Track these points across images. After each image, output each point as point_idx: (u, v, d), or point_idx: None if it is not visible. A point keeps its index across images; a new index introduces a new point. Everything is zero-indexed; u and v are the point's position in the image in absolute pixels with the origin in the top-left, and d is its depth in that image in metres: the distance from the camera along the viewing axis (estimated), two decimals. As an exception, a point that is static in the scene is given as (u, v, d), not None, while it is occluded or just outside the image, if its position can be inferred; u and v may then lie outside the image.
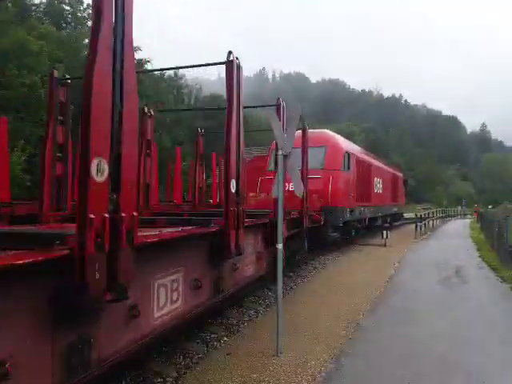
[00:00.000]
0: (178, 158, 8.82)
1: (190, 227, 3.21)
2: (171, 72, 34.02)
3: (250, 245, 4.60)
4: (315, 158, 9.53)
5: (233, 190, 3.50)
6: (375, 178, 14.37)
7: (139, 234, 2.32)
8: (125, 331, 2.43)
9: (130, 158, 2.13)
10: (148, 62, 25.74)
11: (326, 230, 9.42)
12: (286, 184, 9.05)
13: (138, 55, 25.15)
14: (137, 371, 3.36)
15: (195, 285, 3.22)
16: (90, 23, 23.65)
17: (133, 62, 2.17)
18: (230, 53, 3.61)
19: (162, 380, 3.30)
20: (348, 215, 10.58)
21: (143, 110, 5.45)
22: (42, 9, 23.66)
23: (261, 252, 5.02)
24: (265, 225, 5.04)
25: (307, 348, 3.93)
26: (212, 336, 4.31)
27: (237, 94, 3.63)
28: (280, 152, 3.94)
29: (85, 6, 23.92)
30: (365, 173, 12.95)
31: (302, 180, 5.71)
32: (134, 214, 2.10)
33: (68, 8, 23.57)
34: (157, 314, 2.73)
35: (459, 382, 3.27)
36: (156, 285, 2.70)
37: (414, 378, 3.28)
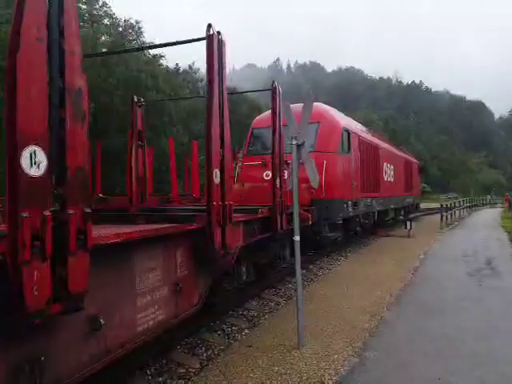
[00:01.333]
0: (194, 151, 8.83)
1: None
2: (186, 66, 34.19)
3: (154, 271, 2.80)
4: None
5: (30, 172, 1.60)
6: (385, 164, 12.16)
7: None
8: None
9: None
10: (162, 57, 25.86)
11: (322, 230, 7.51)
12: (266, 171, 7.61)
13: (153, 51, 25.22)
14: (160, 362, 3.41)
15: None
16: (106, 21, 24.03)
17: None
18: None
19: (184, 371, 3.33)
20: (350, 209, 8.55)
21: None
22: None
23: (184, 279, 3.13)
24: (192, 232, 3.14)
25: (329, 341, 3.85)
26: (233, 328, 4.32)
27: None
28: (294, 142, 3.92)
29: (100, 3, 24.29)
30: (371, 157, 10.76)
31: (277, 166, 5.00)
32: None
33: (84, 7, 23.99)
34: None
35: (491, 380, 3.10)
36: None
37: (443, 375, 3.13)
